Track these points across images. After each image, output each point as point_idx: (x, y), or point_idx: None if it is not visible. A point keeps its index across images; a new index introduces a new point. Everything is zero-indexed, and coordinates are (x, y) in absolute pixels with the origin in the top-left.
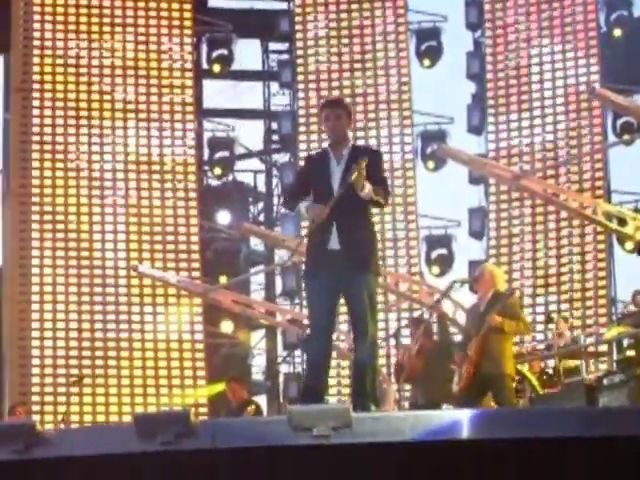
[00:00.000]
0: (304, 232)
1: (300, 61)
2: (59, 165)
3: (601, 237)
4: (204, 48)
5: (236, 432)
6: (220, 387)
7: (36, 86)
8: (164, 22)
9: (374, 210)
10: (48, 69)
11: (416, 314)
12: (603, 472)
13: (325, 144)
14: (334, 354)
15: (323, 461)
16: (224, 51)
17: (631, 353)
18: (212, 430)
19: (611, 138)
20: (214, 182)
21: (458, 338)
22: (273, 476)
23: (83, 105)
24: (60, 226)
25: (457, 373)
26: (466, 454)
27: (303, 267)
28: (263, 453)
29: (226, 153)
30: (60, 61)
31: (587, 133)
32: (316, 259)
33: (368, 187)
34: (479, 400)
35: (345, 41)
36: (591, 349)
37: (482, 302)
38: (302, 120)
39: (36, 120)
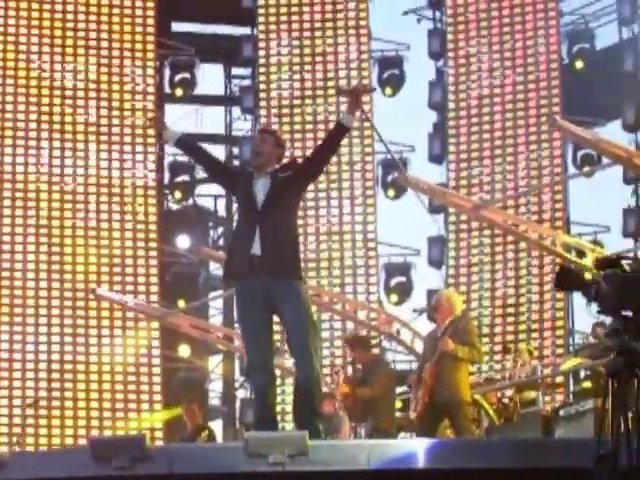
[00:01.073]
0: None
1: (262, 87)
2: (19, 186)
3: None
4: (167, 72)
5: (192, 458)
6: (176, 411)
7: None
8: (127, 45)
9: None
10: (10, 90)
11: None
12: None
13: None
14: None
15: None
16: (187, 75)
17: (587, 384)
18: (168, 455)
19: (571, 170)
20: (174, 206)
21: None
22: None
23: (44, 126)
24: (19, 247)
25: (413, 398)
26: None
27: (222, 271)
28: (218, 479)
29: (187, 177)
30: (22, 82)
31: (547, 164)
32: (238, 264)
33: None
34: (436, 427)
35: (308, 68)
36: (548, 380)
37: (440, 328)
38: None
39: None
